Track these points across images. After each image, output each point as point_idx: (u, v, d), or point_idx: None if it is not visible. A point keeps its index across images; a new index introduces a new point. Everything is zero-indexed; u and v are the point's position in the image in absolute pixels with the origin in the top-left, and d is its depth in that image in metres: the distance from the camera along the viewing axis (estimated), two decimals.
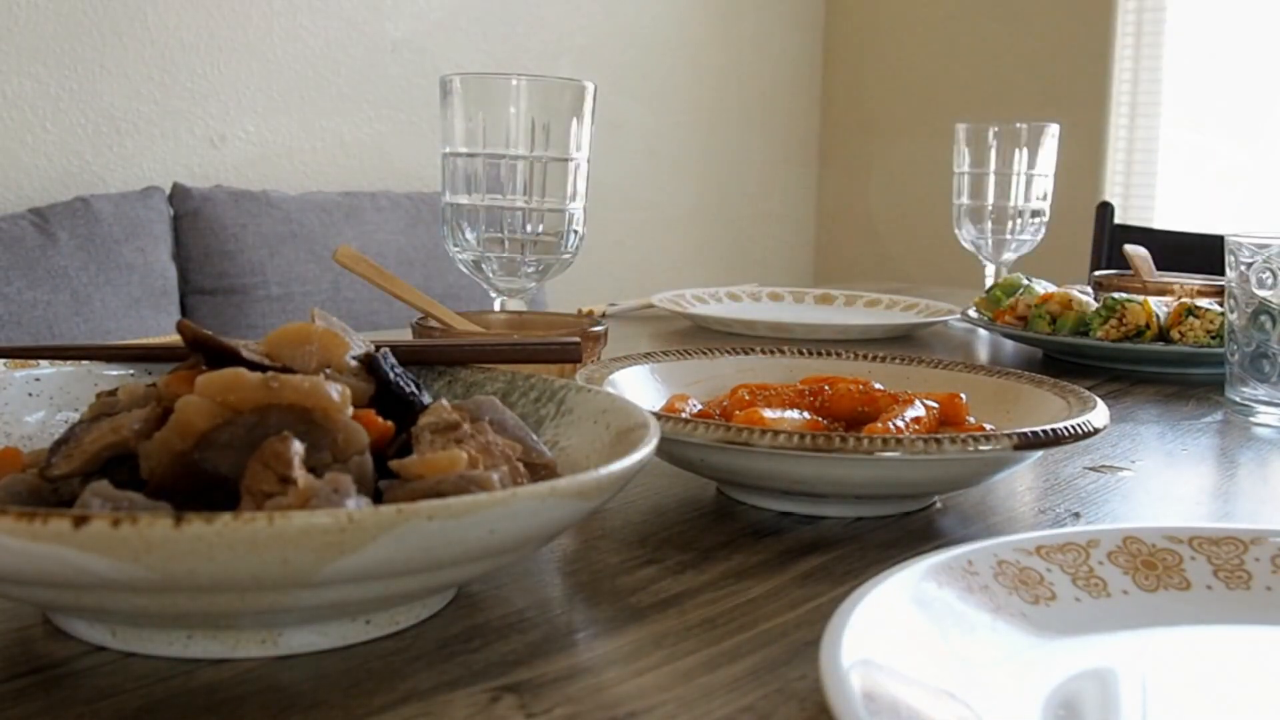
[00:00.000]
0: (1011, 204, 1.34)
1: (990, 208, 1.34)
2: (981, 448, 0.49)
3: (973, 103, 3.04)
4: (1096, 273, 1.28)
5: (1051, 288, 1.09)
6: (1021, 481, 0.63)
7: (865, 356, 0.70)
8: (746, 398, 0.58)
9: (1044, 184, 1.35)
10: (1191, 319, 0.97)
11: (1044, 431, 0.51)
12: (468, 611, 0.42)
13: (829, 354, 0.70)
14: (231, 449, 0.38)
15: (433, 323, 0.72)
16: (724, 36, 3.14)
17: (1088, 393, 0.60)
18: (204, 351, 0.44)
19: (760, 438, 0.49)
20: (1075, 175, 2.59)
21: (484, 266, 0.86)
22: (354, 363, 0.45)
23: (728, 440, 0.50)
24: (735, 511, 0.55)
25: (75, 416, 0.48)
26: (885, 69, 3.30)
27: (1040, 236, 1.36)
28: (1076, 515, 0.57)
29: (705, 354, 0.69)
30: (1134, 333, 0.98)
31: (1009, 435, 0.50)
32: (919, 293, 1.49)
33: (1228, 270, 0.84)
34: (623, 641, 0.40)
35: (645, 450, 0.41)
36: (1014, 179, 1.33)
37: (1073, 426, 0.52)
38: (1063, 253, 2.13)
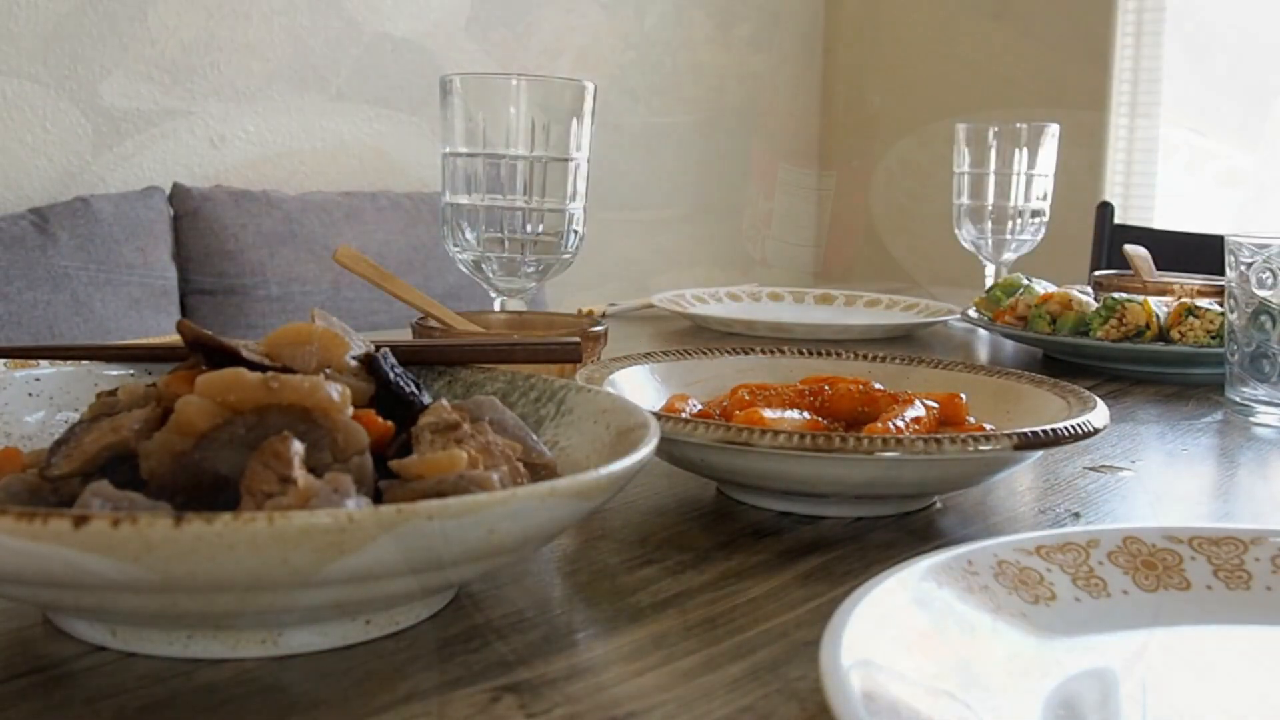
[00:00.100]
0: (1011, 204, 1.34)
1: (990, 208, 1.34)
2: (981, 448, 0.49)
3: (973, 103, 3.04)
4: (1096, 273, 1.28)
5: (1051, 288, 1.09)
6: (1021, 481, 0.63)
7: (865, 356, 0.70)
8: (746, 398, 0.58)
9: (1044, 184, 1.35)
10: (1191, 319, 0.97)
11: (1044, 431, 0.51)
12: (468, 611, 0.42)
13: (829, 354, 0.70)
14: (231, 449, 0.38)
15: (433, 323, 0.72)
16: (724, 36, 3.14)
17: (1088, 393, 0.60)
18: (204, 351, 0.44)
19: (760, 438, 0.49)
20: (1075, 175, 2.58)
21: (484, 266, 0.86)
22: (354, 363, 0.45)
23: (728, 440, 0.50)
24: (735, 511, 0.55)
25: (75, 416, 0.48)
26: (885, 69, 3.30)
27: (1040, 236, 1.36)
28: (1076, 515, 0.57)
29: (705, 354, 0.69)
30: (1134, 333, 0.98)
31: (1009, 435, 0.50)
32: (919, 293, 1.49)
33: (1228, 270, 0.84)
34: (622, 641, 0.40)
35: (645, 450, 0.41)
36: (1014, 179, 1.33)
37: (1073, 426, 0.52)
38: (1063, 253, 2.13)
